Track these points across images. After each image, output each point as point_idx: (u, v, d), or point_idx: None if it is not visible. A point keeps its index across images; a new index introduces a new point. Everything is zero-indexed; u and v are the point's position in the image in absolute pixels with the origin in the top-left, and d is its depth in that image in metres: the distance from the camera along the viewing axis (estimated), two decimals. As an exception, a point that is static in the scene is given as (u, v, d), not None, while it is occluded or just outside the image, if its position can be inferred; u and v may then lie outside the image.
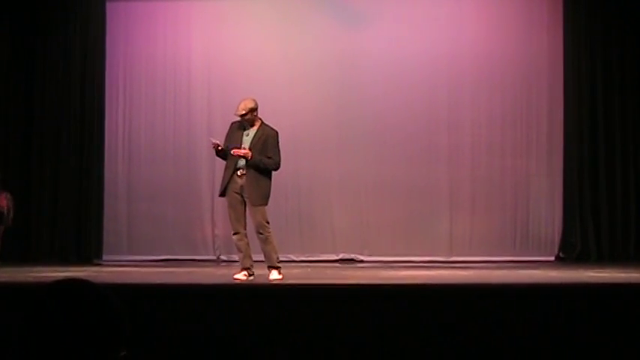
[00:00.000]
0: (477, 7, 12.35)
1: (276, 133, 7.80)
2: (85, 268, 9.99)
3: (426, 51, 12.17)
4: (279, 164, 7.75)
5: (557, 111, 12.11)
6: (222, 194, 7.80)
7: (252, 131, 7.74)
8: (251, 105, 7.72)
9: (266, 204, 7.77)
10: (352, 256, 12.00)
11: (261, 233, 7.72)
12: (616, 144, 11.89)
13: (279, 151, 7.75)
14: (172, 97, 12.47)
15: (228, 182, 7.71)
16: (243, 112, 7.67)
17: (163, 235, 12.16)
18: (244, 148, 7.62)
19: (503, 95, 12.22)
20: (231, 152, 7.59)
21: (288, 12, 12.31)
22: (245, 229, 7.78)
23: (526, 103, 12.22)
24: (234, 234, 7.80)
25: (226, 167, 7.81)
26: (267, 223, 7.75)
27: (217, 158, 8.12)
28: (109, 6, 12.42)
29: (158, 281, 7.71)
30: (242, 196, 7.67)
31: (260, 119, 7.82)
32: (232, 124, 7.91)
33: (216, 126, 11.07)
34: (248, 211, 7.72)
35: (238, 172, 7.69)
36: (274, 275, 7.71)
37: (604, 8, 11.98)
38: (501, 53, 12.19)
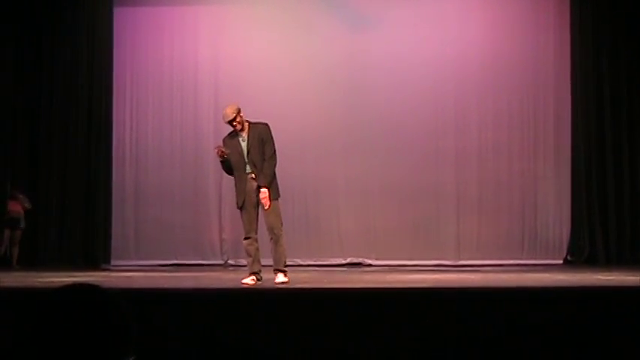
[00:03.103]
0: (483, 9, 12.35)
1: (266, 125, 7.87)
2: (92, 273, 9.99)
3: (433, 54, 12.17)
4: (275, 156, 7.79)
5: (564, 113, 12.09)
6: (241, 206, 7.79)
7: (245, 134, 7.78)
8: (236, 106, 7.77)
9: (279, 195, 7.79)
10: (360, 259, 12.00)
11: (274, 233, 7.73)
12: (624, 146, 11.86)
13: (273, 142, 7.80)
14: (179, 102, 12.50)
15: (245, 191, 7.74)
16: (233, 115, 7.69)
17: (171, 239, 12.19)
18: (264, 198, 7.65)
19: (510, 97, 12.21)
20: (265, 209, 7.67)
21: (295, 16, 12.33)
22: (256, 234, 7.79)
23: (533, 105, 12.20)
24: (246, 238, 7.80)
25: (237, 182, 7.81)
26: (281, 224, 7.77)
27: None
28: (116, 12, 12.47)
29: (166, 286, 7.71)
30: (257, 198, 7.69)
31: (247, 120, 7.84)
32: (224, 139, 7.93)
33: (222, 131, 11.00)
34: (262, 212, 7.73)
35: (252, 176, 7.73)
36: (280, 278, 7.71)
37: (611, 9, 11.96)
38: (508, 55, 12.18)
